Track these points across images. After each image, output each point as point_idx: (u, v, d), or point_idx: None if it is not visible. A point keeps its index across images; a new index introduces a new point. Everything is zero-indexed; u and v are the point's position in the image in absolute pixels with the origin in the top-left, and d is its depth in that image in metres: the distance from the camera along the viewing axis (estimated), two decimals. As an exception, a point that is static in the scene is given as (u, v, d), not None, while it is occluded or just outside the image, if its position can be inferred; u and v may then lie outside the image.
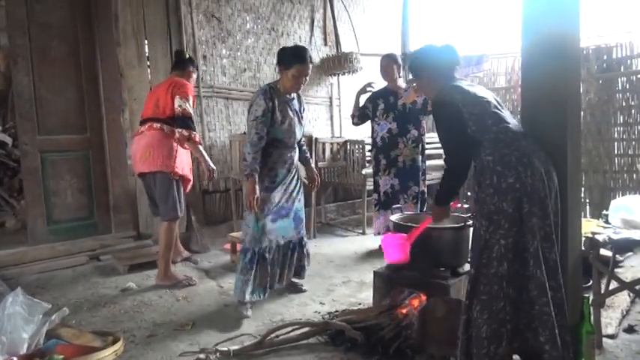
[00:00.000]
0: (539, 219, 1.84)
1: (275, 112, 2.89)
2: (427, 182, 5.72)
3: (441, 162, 5.33)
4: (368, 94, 4.19)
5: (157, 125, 3.38)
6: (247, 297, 2.87)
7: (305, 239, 3.23)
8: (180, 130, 3.32)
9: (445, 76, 2.16)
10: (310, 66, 2.93)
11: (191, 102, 3.42)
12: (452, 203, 2.31)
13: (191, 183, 3.73)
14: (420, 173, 4.14)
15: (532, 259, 1.84)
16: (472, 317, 1.91)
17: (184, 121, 3.33)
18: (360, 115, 4.21)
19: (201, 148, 3.50)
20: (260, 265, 2.93)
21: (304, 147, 3.28)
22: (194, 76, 3.73)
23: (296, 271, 3.22)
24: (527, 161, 1.86)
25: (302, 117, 3.13)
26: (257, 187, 2.84)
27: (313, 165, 3.48)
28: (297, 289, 3.27)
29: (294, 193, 3.10)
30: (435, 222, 2.37)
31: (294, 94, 3.06)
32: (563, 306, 1.87)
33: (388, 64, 4.11)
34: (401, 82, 4.19)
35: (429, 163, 5.67)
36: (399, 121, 4.05)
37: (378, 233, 4.15)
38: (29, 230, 4.17)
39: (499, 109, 2.04)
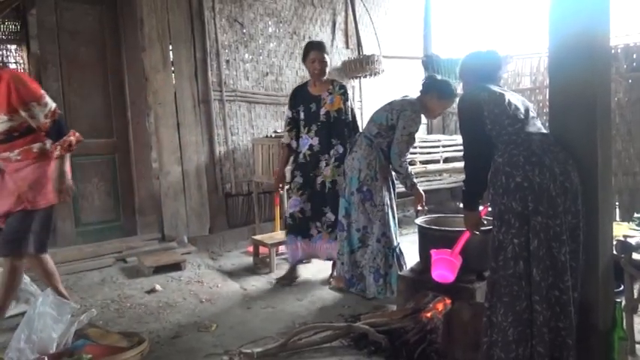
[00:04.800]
0: (548, 218, 1.83)
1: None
2: (451, 185, 5.70)
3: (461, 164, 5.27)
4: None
5: None
6: None
7: None
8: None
9: (482, 79, 2.17)
10: None
11: None
12: (482, 209, 2.25)
13: None
14: (338, 197, 3.39)
15: (530, 257, 1.85)
16: (496, 321, 1.90)
17: None
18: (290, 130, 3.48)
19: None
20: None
21: None
22: None
23: None
24: (537, 160, 1.87)
25: None
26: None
27: None
28: None
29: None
30: (469, 230, 2.25)
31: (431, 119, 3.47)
32: (568, 307, 1.83)
33: (323, 55, 3.36)
34: (326, 81, 3.44)
35: (451, 165, 5.64)
36: (322, 134, 3.36)
37: (295, 261, 3.53)
38: (58, 232, 4.25)
39: (521, 113, 2.03)
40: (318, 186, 3.39)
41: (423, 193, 3.25)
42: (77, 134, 2.79)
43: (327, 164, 3.37)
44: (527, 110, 2.07)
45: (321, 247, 3.44)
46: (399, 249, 3.22)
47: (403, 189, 3.35)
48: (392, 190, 3.27)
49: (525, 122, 2.01)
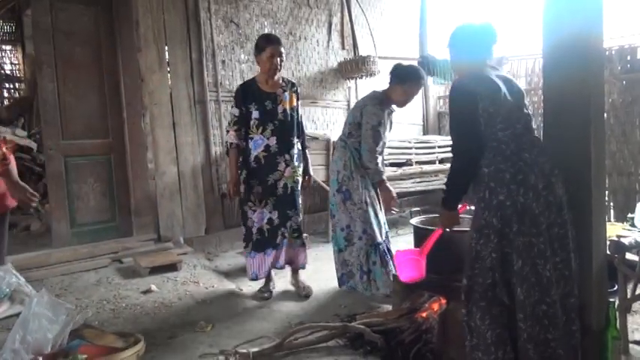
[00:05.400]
0: (531, 236, 1.81)
1: (385, 122, 3.17)
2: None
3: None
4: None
5: None
6: None
7: None
8: None
9: (476, 56, 2.04)
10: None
11: None
12: (460, 207, 2.15)
13: None
14: (300, 199, 3.32)
15: (514, 277, 1.83)
16: (474, 325, 1.91)
17: None
18: (238, 134, 3.16)
19: None
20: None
21: None
22: None
23: None
24: (522, 178, 1.83)
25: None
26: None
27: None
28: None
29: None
30: (444, 229, 2.19)
31: (393, 107, 3.27)
32: (556, 319, 1.83)
33: (281, 50, 3.12)
34: (277, 78, 3.19)
35: (447, 166, 5.65)
36: (280, 134, 3.14)
37: (256, 277, 3.28)
38: (53, 233, 4.25)
39: (514, 111, 1.94)
40: (281, 190, 3.18)
41: (391, 191, 3.18)
42: (8, 138, 2.56)
43: (286, 165, 3.17)
44: (519, 104, 1.97)
45: (286, 252, 3.26)
46: (386, 246, 3.22)
47: (399, 189, 3.36)
48: (372, 188, 3.25)
49: (516, 123, 1.93)
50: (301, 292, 3.27)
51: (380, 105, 3.13)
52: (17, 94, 7.61)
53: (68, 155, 4.29)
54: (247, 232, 3.23)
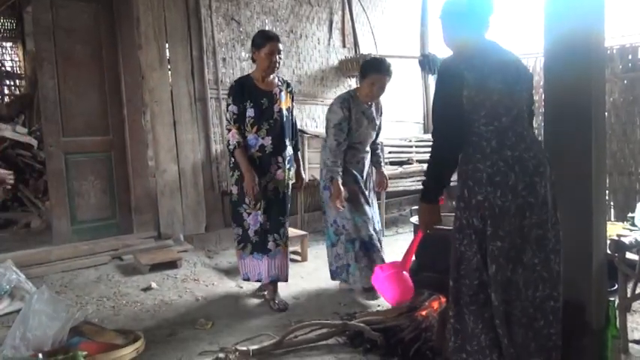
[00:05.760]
0: (504, 240, 1.77)
1: (351, 120, 3.13)
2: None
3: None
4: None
5: None
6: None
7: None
8: None
9: (471, 28, 1.87)
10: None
11: None
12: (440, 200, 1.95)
13: None
14: (289, 204, 3.19)
15: (490, 282, 1.80)
16: (460, 328, 1.87)
17: None
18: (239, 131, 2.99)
19: None
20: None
21: (377, 151, 3.46)
22: None
23: None
24: (500, 180, 1.75)
25: (377, 123, 3.32)
26: (342, 188, 3.08)
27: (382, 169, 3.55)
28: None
29: (370, 193, 3.33)
30: (424, 228, 2.00)
31: (371, 102, 3.25)
32: (512, 325, 1.81)
33: (276, 46, 2.94)
34: (273, 77, 3.06)
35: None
36: (275, 134, 3.02)
37: (249, 279, 3.17)
38: (54, 230, 4.25)
39: (504, 101, 1.79)
40: (271, 193, 3.04)
41: (340, 192, 3.05)
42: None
43: (278, 167, 3.04)
44: (513, 90, 1.82)
45: (279, 263, 3.07)
46: (364, 242, 3.15)
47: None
48: (356, 183, 3.22)
49: (503, 115, 1.79)
50: (274, 307, 3.04)
51: (342, 103, 3.15)
52: (18, 91, 7.61)
53: (68, 152, 4.29)
54: (244, 233, 3.08)
